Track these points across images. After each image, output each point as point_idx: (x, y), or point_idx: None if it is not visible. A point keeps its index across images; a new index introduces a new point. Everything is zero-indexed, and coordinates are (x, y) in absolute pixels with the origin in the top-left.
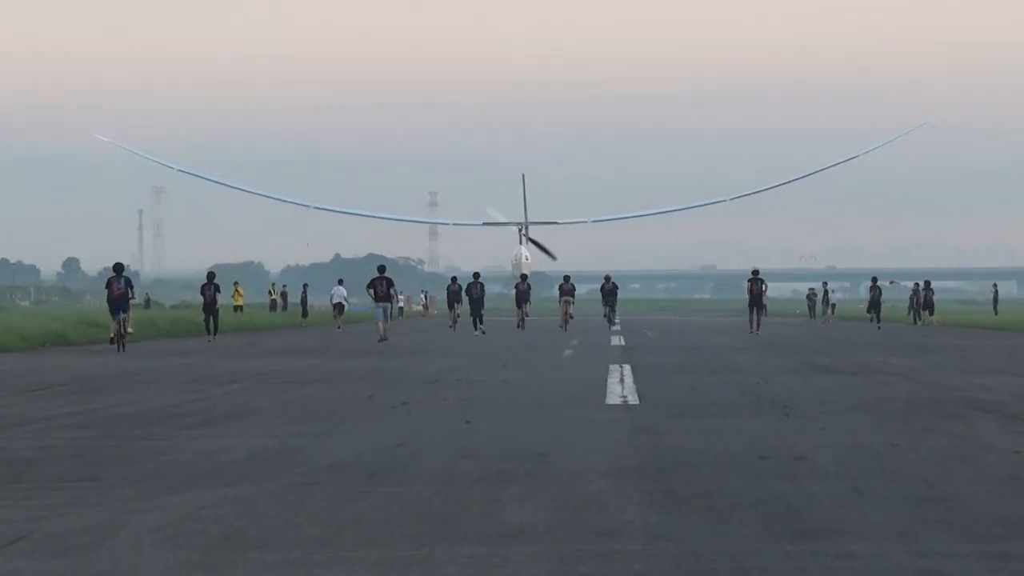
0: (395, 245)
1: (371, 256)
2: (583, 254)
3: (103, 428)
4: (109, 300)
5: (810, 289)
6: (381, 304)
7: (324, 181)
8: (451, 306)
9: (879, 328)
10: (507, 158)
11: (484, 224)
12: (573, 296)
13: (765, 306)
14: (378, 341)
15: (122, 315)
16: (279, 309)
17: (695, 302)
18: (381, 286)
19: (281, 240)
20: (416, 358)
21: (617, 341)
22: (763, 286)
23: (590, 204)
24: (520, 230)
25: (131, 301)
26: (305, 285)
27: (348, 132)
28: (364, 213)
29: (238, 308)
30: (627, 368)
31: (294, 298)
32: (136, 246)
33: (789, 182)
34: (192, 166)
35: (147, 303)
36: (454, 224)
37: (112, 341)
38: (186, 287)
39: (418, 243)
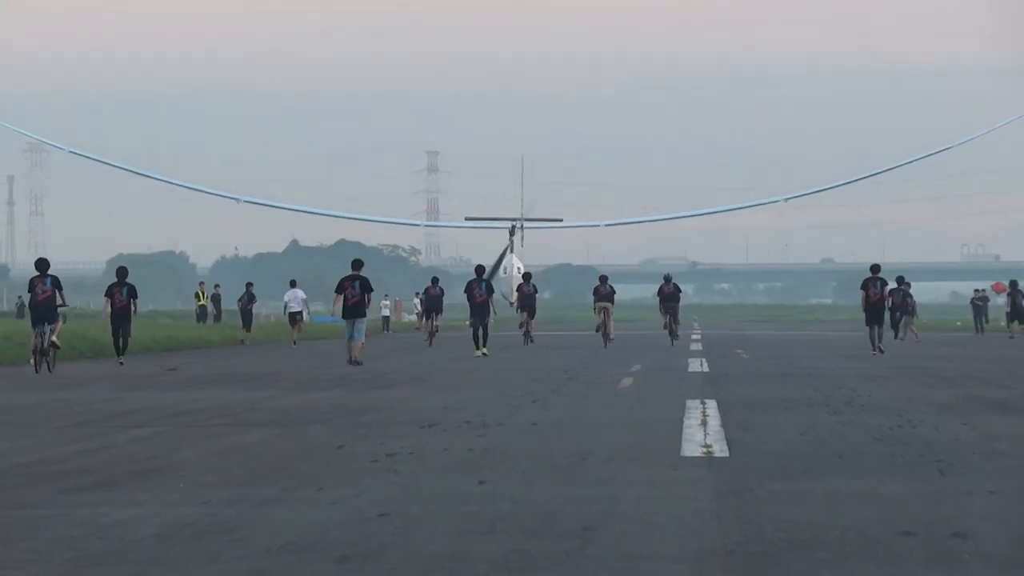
0: (379, 229)
1: (342, 243)
2: (645, 242)
3: None
4: (31, 306)
5: (976, 291)
6: (350, 319)
7: (295, 139)
8: (428, 315)
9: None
10: (528, 109)
11: (467, 220)
12: (612, 302)
13: (907, 315)
14: (348, 363)
15: (47, 326)
16: (210, 319)
17: (810, 309)
18: (353, 289)
19: (212, 223)
20: (407, 390)
21: (697, 366)
22: (884, 289)
23: (633, 171)
24: (512, 231)
25: (60, 308)
26: (249, 285)
27: (320, 78)
28: (304, 209)
29: None
30: (711, 405)
31: (231, 303)
32: (4, 229)
33: (866, 177)
34: (94, 132)
35: (20, 310)
36: (424, 225)
37: (33, 361)
38: (76, 288)
39: (411, 227)
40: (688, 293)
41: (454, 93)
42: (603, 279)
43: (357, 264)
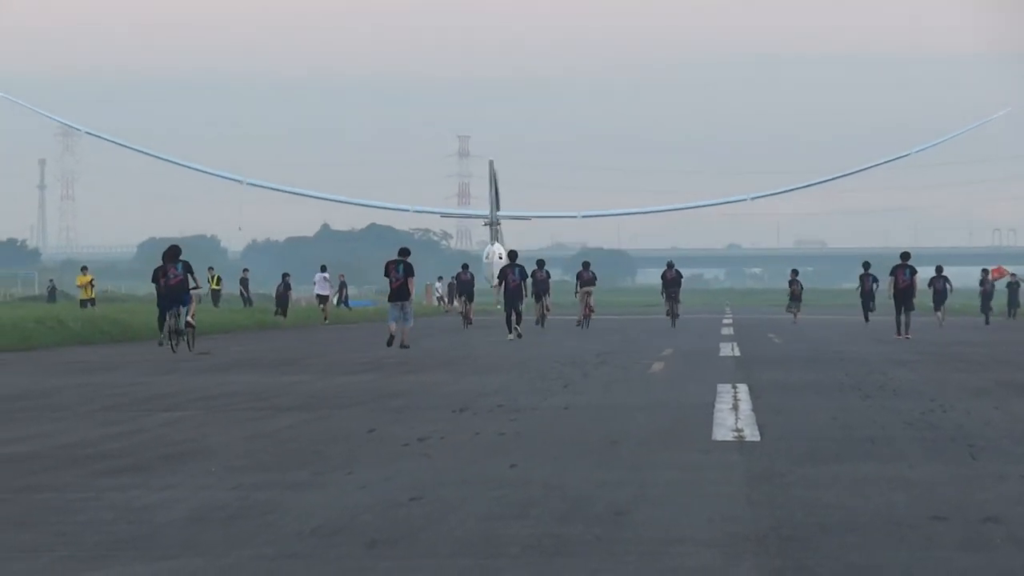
0: (410, 213)
1: (373, 227)
2: (680, 227)
3: None
4: (164, 291)
5: (1010, 277)
6: (396, 302)
7: (326, 122)
8: (461, 298)
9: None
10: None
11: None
12: (593, 285)
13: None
14: (388, 345)
15: (181, 308)
16: (244, 303)
17: (841, 294)
18: (397, 272)
19: (244, 207)
20: (437, 373)
21: (728, 350)
22: (913, 276)
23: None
24: (487, 224)
25: (192, 290)
26: (285, 275)
27: (352, 56)
28: (305, 192)
29: (87, 303)
30: (743, 389)
31: (263, 287)
32: (35, 213)
33: (826, 181)
34: (124, 115)
35: (51, 294)
36: (414, 211)
37: (170, 342)
38: (108, 273)
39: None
40: (720, 278)
41: (486, 77)
42: (586, 265)
43: (404, 252)
